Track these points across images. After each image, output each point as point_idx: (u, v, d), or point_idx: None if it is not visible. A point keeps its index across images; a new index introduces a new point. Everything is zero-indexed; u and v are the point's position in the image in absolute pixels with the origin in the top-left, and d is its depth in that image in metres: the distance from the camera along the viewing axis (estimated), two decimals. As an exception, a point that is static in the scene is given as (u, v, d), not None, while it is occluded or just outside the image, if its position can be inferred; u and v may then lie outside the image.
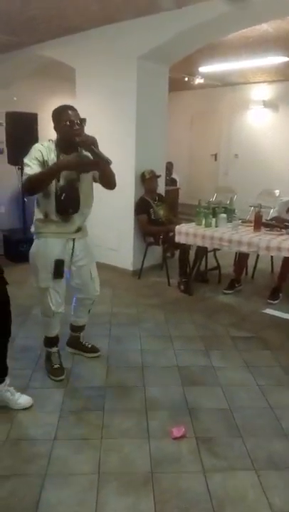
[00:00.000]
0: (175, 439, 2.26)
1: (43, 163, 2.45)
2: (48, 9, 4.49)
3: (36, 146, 2.51)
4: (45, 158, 2.46)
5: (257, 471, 2.05)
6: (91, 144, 2.39)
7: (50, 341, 2.92)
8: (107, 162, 2.43)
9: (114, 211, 5.10)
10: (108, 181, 2.61)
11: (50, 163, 2.46)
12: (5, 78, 6.55)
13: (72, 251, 2.72)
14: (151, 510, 1.82)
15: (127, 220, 5.05)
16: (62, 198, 2.52)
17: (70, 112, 2.47)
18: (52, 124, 2.56)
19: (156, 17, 4.30)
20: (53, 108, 2.56)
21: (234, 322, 3.80)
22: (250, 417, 2.46)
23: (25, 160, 2.47)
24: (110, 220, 5.18)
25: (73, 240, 2.71)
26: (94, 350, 3.14)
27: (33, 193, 2.53)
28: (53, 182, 2.49)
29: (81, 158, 2.53)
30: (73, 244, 2.72)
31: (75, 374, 2.89)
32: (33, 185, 2.43)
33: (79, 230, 2.73)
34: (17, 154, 5.15)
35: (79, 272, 2.81)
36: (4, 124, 5.40)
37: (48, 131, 2.54)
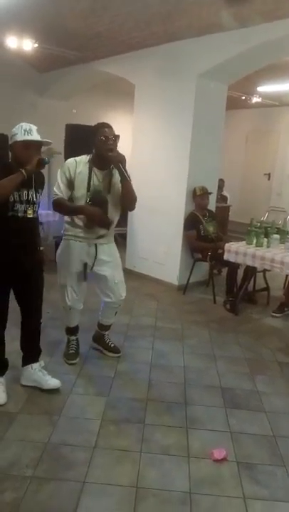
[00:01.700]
0: (216, 461, 2.20)
1: (70, 180, 2.72)
2: (113, 26, 4.66)
3: (66, 163, 2.75)
4: (72, 175, 2.71)
5: (301, 505, 1.96)
6: (119, 161, 2.63)
7: (70, 330, 3.20)
8: (126, 178, 2.68)
9: (164, 225, 5.13)
10: (127, 201, 2.83)
11: (78, 176, 2.71)
12: (67, 91, 6.84)
13: (96, 256, 2.88)
14: (188, 532, 1.79)
15: (175, 235, 5.05)
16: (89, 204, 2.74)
17: (106, 129, 2.70)
18: None
19: (218, 36, 4.34)
20: (111, 121, 2.78)
21: (282, 347, 3.67)
22: (295, 447, 2.36)
23: (57, 177, 2.75)
24: (159, 234, 5.21)
25: (95, 245, 2.87)
26: (115, 350, 3.28)
27: (58, 213, 2.94)
28: (84, 191, 2.72)
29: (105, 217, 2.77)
30: (96, 250, 2.88)
31: (118, 384, 2.90)
32: (58, 210, 2.84)
33: (102, 236, 2.87)
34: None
35: (103, 277, 2.95)
36: (63, 152, 5.61)
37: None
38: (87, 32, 4.96)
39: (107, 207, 2.79)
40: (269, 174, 9.20)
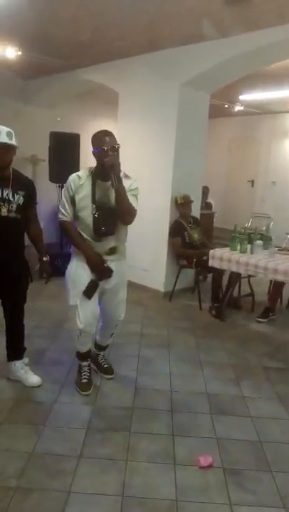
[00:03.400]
0: (202, 468, 2.20)
1: (72, 196, 2.61)
2: (95, 35, 4.69)
3: (69, 179, 2.63)
4: (74, 190, 2.59)
5: (286, 509, 1.97)
6: (111, 165, 2.44)
7: (81, 356, 2.95)
8: (116, 181, 2.46)
9: (149, 233, 5.13)
10: (121, 211, 2.57)
11: (80, 189, 2.58)
12: (51, 99, 6.85)
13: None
14: (174, 540, 1.77)
15: (161, 242, 5.07)
16: (96, 216, 2.57)
17: (107, 138, 2.53)
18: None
19: (200, 45, 4.40)
20: (96, 129, 2.64)
21: (267, 352, 3.70)
22: (281, 452, 2.37)
23: (62, 196, 2.70)
24: (145, 241, 5.21)
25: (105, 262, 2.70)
26: (108, 371, 3.10)
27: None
28: (89, 203, 2.58)
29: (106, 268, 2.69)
30: None
31: (104, 393, 2.88)
32: (64, 233, 2.82)
33: (112, 252, 2.72)
34: (58, 173, 5.31)
35: (105, 295, 2.79)
36: (47, 160, 5.65)
37: (89, 152, 2.63)
38: (70, 40, 4.99)
39: (115, 217, 2.60)
40: (253, 181, 9.32)
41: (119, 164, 2.47)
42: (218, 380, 3.15)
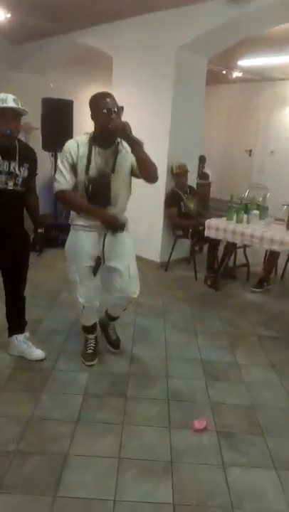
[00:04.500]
0: (196, 431, 2.26)
1: (74, 165, 2.44)
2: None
3: (67, 146, 2.46)
4: (74, 159, 2.43)
5: (277, 470, 2.03)
6: (122, 129, 2.28)
7: (87, 329, 2.92)
8: (136, 145, 2.32)
9: (145, 203, 5.07)
10: (146, 172, 2.43)
11: (80, 158, 2.42)
12: (43, 64, 6.62)
13: (103, 247, 2.58)
14: (169, 498, 1.84)
15: (157, 212, 5.04)
16: (89, 189, 2.43)
17: (107, 99, 2.37)
18: (88, 112, 2.48)
19: (198, 7, 4.23)
20: (89, 95, 2.47)
21: (261, 321, 3.75)
22: (273, 417, 2.44)
23: (58, 164, 2.49)
24: (140, 211, 5.15)
25: (105, 234, 2.57)
26: (114, 345, 3.03)
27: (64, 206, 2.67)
28: (83, 172, 2.43)
29: (118, 220, 2.53)
30: (104, 240, 2.58)
31: (101, 359, 2.92)
32: (65, 204, 2.66)
33: None
34: (52, 141, 5.20)
35: (115, 271, 2.66)
36: (40, 128, 5.48)
37: (83, 119, 2.54)
38: (62, 1, 4.79)
39: (110, 189, 2.46)
40: (250, 151, 9.19)
41: (129, 125, 2.29)
42: (212, 348, 3.20)
